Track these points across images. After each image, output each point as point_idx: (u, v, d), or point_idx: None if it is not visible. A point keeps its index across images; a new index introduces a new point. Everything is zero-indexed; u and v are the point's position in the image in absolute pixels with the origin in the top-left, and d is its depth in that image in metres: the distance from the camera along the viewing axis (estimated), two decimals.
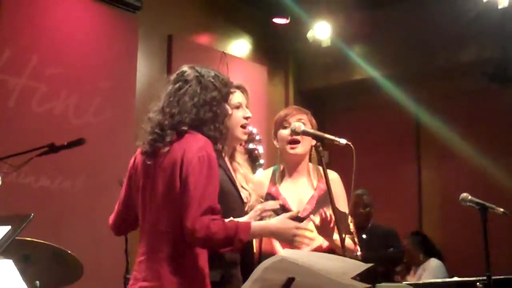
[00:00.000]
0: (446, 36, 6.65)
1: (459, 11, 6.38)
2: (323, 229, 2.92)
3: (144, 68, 5.88)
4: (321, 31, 6.97)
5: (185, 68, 2.60)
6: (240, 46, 7.11)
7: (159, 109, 2.52)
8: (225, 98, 2.59)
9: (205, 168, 2.38)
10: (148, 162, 2.50)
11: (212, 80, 2.56)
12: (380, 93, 7.07)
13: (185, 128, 2.47)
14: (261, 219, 2.71)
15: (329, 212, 2.89)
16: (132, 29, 5.76)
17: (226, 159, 2.92)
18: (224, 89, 2.58)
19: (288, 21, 6.73)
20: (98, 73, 5.43)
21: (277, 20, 6.79)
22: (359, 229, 5.60)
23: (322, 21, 6.95)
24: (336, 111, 7.87)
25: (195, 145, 2.42)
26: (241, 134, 2.93)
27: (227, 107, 2.62)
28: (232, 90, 2.71)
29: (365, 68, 7.14)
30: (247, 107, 2.95)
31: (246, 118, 2.92)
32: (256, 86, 7.01)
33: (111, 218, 2.68)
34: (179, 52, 6.15)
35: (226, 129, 2.57)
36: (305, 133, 2.97)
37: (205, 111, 2.49)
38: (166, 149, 2.46)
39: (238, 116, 2.89)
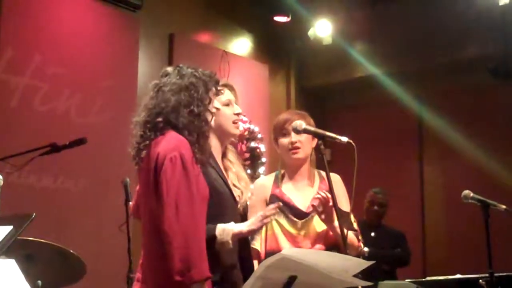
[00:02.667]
0: (447, 33, 6.64)
1: (460, 8, 6.37)
2: (326, 215, 2.95)
3: (145, 67, 5.88)
4: (322, 29, 6.96)
5: (167, 67, 2.62)
6: (241, 45, 7.11)
7: (143, 108, 2.54)
8: (207, 86, 2.56)
9: (177, 169, 2.35)
10: (136, 167, 2.52)
11: (192, 70, 2.56)
12: (382, 90, 7.06)
13: (160, 119, 2.45)
14: (263, 225, 2.73)
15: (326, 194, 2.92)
16: (133, 28, 5.77)
17: (218, 158, 2.92)
18: (204, 77, 2.56)
19: (289, 19, 6.73)
20: (100, 73, 5.43)
21: (278, 19, 6.78)
22: (369, 226, 5.61)
23: (323, 19, 6.94)
24: (337, 108, 7.86)
25: (167, 146, 2.40)
26: (233, 129, 2.94)
27: (210, 94, 2.58)
28: (219, 88, 2.70)
29: (367, 65, 7.12)
30: (236, 103, 2.98)
31: (237, 114, 2.95)
32: (258, 85, 7.01)
33: (132, 205, 2.76)
34: (181, 50, 6.15)
35: (206, 112, 2.53)
36: (306, 131, 2.98)
37: (181, 96, 2.48)
38: (144, 152, 2.46)
39: (228, 113, 2.91)
